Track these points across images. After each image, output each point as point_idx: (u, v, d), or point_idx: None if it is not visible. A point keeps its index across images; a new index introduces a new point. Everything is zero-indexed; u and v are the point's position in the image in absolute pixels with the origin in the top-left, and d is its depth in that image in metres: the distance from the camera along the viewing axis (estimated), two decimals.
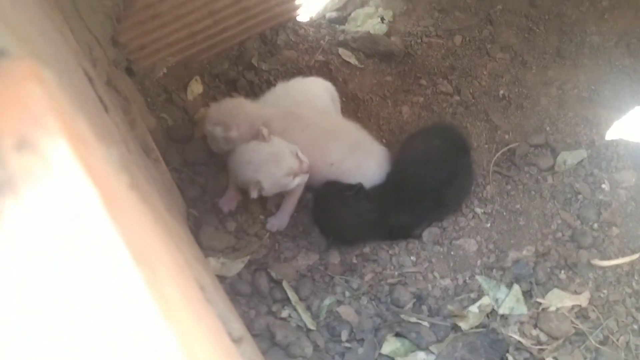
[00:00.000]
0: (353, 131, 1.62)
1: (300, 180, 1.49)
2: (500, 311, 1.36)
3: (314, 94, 1.66)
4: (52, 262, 0.35)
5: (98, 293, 0.33)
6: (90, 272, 0.33)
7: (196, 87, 1.78)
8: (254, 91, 1.76)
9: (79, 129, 0.44)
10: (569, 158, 1.61)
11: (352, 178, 1.57)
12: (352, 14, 1.94)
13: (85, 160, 0.39)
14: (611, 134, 1.67)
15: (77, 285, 0.33)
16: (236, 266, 1.46)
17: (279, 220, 1.53)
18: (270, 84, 1.78)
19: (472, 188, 1.59)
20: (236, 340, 0.80)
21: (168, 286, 0.40)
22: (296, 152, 1.47)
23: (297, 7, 1.89)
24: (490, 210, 1.57)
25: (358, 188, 1.54)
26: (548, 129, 1.70)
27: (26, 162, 0.36)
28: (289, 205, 1.55)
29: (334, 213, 1.53)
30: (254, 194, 1.42)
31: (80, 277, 0.34)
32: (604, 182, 1.57)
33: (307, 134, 1.54)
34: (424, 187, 1.51)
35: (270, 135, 1.47)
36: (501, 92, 1.80)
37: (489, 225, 1.54)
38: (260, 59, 1.85)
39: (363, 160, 1.60)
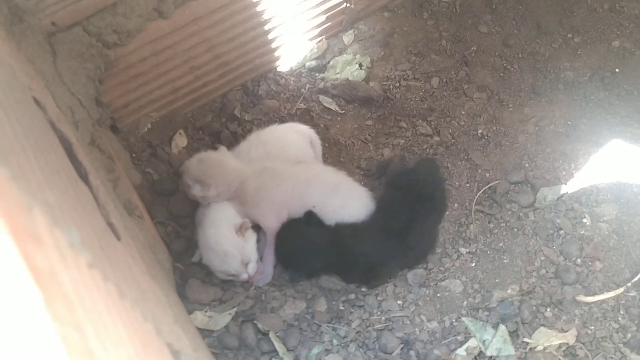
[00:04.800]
0: (332, 174, 1.65)
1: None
2: (488, 353, 1.36)
3: (286, 140, 1.70)
4: None
5: None
6: None
7: (180, 141, 1.82)
8: (238, 141, 1.79)
9: (30, 224, 0.45)
10: (549, 194, 1.63)
11: (338, 218, 1.59)
12: (331, 62, 1.99)
13: (30, 259, 0.40)
14: (590, 168, 1.69)
15: None
16: (223, 319, 1.47)
17: (264, 274, 1.55)
18: None
19: (437, 236, 1.61)
20: None
21: None
22: (247, 263, 1.51)
23: (277, 58, 1.95)
24: (474, 250, 1.58)
25: (308, 214, 1.56)
26: (527, 165, 1.73)
27: None
28: (269, 257, 1.56)
29: (285, 241, 1.55)
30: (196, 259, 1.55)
31: None
32: (584, 217, 1.58)
33: (283, 187, 1.58)
34: (388, 228, 1.54)
35: (248, 232, 1.52)
36: (480, 131, 1.83)
37: (473, 264, 1.55)
38: (242, 109, 1.89)
39: (348, 200, 1.61)
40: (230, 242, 1.48)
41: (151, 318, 0.74)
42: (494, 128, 1.84)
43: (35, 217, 0.48)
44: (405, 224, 1.55)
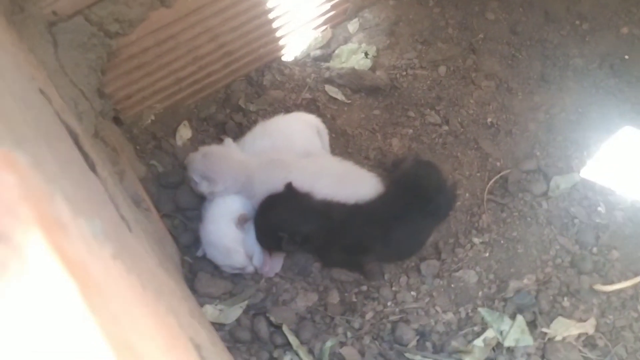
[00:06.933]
0: (339, 164, 1.61)
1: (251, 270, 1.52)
2: (506, 344, 1.33)
3: (293, 131, 1.66)
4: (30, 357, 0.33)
5: None
6: None
7: (185, 132, 1.78)
8: (243, 133, 1.75)
9: (55, 212, 0.42)
10: (562, 182, 1.61)
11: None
12: (336, 51, 1.95)
13: (60, 248, 0.37)
14: (602, 156, 1.67)
15: None
16: (234, 312, 1.44)
17: (273, 264, 1.51)
18: None
19: (427, 238, 1.55)
20: None
21: None
22: (252, 255, 1.49)
23: (281, 48, 1.91)
24: (487, 240, 1.55)
25: (288, 185, 1.48)
26: (538, 154, 1.70)
27: (1, 255, 0.35)
28: None
29: (273, 208, 1.48)
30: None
31: None
32: (599, 205, 1.56)
33: (290, 180, 1.53)
34: (373, 213, 1.49)
35: (248, 224, 1.49)
36: (489, 119, 1.80)
37: (487, 254, 1.52)
38: (247, 100, 1.85)
39: (359, 187, 1.57)
40: (230, 238, 1.46)
41: (172, 311, 0.71)
42: (504, 116, 1.81)
43: (58, 205, 0.45)
44: (394, 215, 1.49)
